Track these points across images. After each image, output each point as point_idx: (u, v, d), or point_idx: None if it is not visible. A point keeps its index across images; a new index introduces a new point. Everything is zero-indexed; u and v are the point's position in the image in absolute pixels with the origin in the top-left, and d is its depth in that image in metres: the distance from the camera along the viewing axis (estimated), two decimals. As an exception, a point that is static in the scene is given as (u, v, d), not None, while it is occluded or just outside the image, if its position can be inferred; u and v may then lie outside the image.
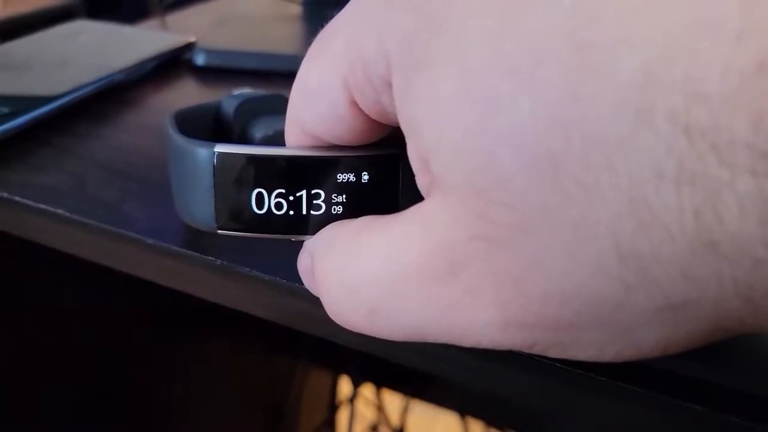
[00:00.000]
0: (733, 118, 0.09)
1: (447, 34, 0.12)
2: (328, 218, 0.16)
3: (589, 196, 0.11)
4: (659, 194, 0.10)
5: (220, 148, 0.16)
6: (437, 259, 0.13)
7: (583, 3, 0.10)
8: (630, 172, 0.10)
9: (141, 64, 0.36)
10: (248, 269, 0.21)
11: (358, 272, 0.14)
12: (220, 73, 0.38)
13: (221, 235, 0.17)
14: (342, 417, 0.80)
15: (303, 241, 0.17)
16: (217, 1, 0.51)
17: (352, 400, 0.77)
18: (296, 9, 0.47)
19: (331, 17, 0.15)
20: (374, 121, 0.15)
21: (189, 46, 0.39)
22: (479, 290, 0.12)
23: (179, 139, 0.18)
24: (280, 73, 0.37)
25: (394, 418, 0.78)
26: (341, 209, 0.16)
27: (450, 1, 0.12)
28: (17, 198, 0.25)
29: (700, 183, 0.10)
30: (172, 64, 0.39)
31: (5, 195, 0.25)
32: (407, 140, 0.13)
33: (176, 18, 0.48)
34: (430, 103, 0.12)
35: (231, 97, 0.24)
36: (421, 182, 0.14)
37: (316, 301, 0.17)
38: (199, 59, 0.38)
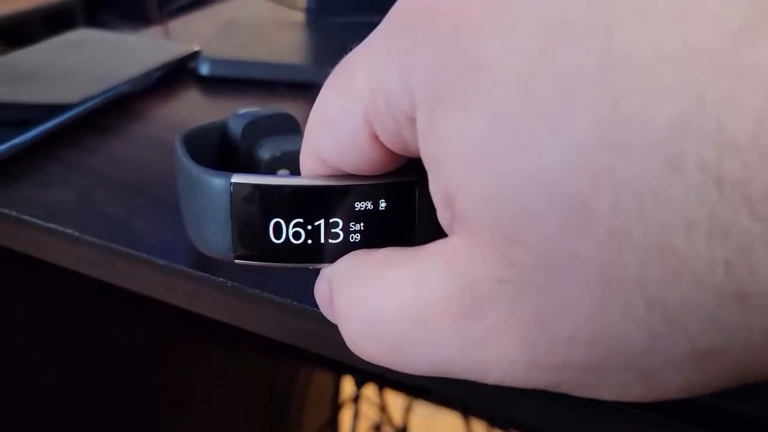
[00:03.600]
0: (766, 169, 0.09)
1: (475, 72, 0.12)
2: (346, 246, 0.16)
3: (618, 243, 0.10)
4: (689, 244, 0.10)
5: (237, 178, 0.16)
6: (462, 297, 0.13)
7: (616, 46, 0.10)
8: (660, 220, 0.10)
9: (146, 75, 0.35)
10: (259, 291, 0.21)
11: (382, 306, 0.14)
12: (224, 82, 0.38)
13: (237, 264, 0.17)
14: (345, 417, 0.81)
15: (320, 269, 0.17)
16: (219, 8, 0.51)
17: (355, 400, 0.77)
18: (299, 16, 0.47)
19: (350, 45, 0.15)
20: (393, 152, 0.15)
21: (193, 56, 0.39)
22: (504, 330, 0.12)
23: (193, 168, 0.17)
24: (285, 83, 0.37)
25: (397, 418, 0.78)
26: (359, 237, 0.16)
27: (478, 37, 0.12)
28: (25, 217, 0.24)
29: (731, 235, 0.10)
30: (176, 74, 0.38)
31: (13, 213, 0.25)
32: (429, 176, 0.13)
33: (178, 25, 0.47)
34: (457, 142, 0.12)
35: (237, 116, 0.24)
36: (443, 218, 0.13)
37: (328, 324, 0.17)
38: (204, 69, 0.38)
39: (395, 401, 0.78)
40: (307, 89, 0.35)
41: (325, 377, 0.78)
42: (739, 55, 0.09)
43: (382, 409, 0.77)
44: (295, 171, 0.17)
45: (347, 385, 0.80)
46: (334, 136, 0.15)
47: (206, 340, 0.56)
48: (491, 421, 0.70)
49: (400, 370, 0.15)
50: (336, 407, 0.80)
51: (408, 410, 0.77)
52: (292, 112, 0.25)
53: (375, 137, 0.14)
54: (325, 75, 0.15)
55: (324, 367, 0.76)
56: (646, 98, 0.10)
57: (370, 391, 0.77)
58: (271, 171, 0.23)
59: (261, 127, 0.23)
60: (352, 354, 0.16)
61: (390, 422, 0.78)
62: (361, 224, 0.16)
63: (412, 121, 0.13)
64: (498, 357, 0.13)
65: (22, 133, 0.28)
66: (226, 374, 0.60)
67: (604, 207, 0.10)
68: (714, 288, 0.10)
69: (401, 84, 0.13)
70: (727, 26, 0.09)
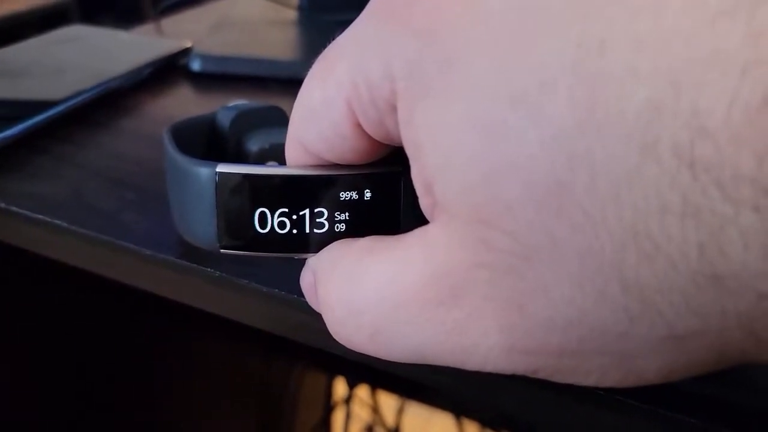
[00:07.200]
0: (738, 153, 0.09)
1: (454, 60, 0.12)
2: (332, 236, 0.16)
3: (594, 227, 0.11)
4: (663, 227, 0.10)
5: (222, 167, 0.16)
6: (440, 283, 0.13)
7: (591, 32, 0.10)
8: (635, 204, 0.10)
9: (137, 70, 0.36)
10: (247, 281, 0.21)
11: (362, 294, 0.14)
12: (216, 78, 0.38)
13: (223, 253, 0.17)
14: (337, 418, 0.81)
15: (305, 258, 0.17)
16: (212, 6, 0.51)
17: (347, 400, 0.77)
18: (292, 14, 0.47)
19: (335, 37, 0.15)
20: (376, 141, 0.15)
21: (185, 52, 0.39)
22: (483, 315, 0.13)
23: (179, 158, 0.18)
24: (276, 79, 0.37)
25: (390, 419, 0.78)
26: (344, 227, 0.16)
27: (456, 26, 0.12)
28: (14, 208, 0.24)
29: (703, 218, 0.10)
30: (167, 70, 0.38)
31: (2, 205, 0.25)
32: (411, 164, 0.13)
33: (171, 22, 0.47)
34: (435, 130, 0.12)
35: (226, 109, 0.24)
36: (425, 205, 0.14)
37: (314, 314, 0.17)
38: (195, 65, 0.38)
39: (388, 402, 0.78)
40: (298, 86, 0.35)
41: (317, 378, 0.78)
42: (715, 39, 0.09)
43: (375, 410, 0.77)
44: (284, 163, 0.17)
45: (340, 386, 0.80)
46: (318, 126, 0.15)
47: (198, 340, 0.56)
48: (484, 422, 0.71)
49: (382, 357, 0.15)
50: (328, 408, 0.80)
51: (400, 411, 0.77)
52: (282, 107, 0.25)
53: (358, 126, 0.14)
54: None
55: (316, 368, 0.76)
56: (622, 83, 0.10)
57: (362, 391, 0.77)
58: (259, 163, 0.23)
59: (250, 120, 0.23)
60: (337, 343, 0.16)
61: (382, 423, 0.78)
62: (346, 214, 0.16)
63: (394, 109, 0.13)
64: (476, 342, 0.13)
65: (10, 127, 0.28)
66: (218, 375, 0.60)
67: (580, 191, 0.11)
68: (688, 271, 0.10)
69: (382, 73, 0.13)
70: (703, 10, 0.10)
